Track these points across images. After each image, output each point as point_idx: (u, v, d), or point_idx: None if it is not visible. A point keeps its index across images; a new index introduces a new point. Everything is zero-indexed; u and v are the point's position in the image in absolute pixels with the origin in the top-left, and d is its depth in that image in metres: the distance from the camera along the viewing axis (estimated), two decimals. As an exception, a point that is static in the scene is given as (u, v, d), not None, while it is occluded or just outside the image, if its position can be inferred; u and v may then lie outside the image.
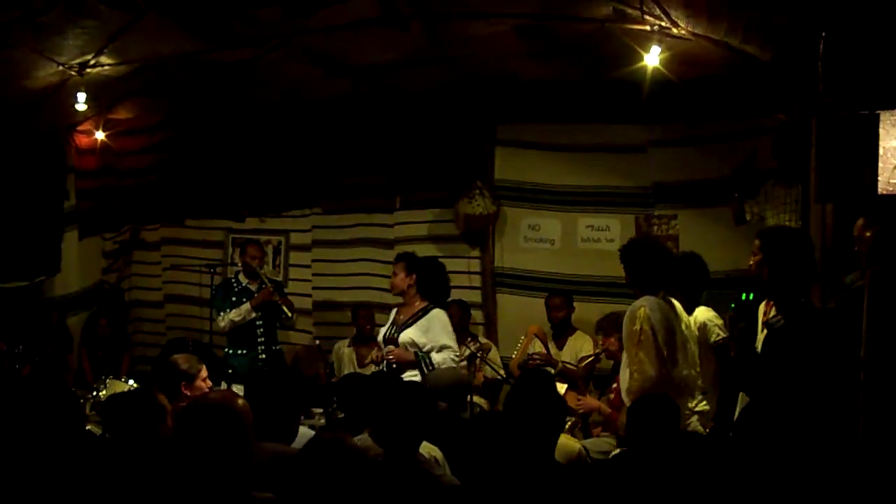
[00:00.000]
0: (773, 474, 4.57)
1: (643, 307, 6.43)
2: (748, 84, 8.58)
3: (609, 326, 8.29)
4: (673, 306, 6.69)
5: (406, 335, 7.95)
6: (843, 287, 6.07)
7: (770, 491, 4.56)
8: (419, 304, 8.12)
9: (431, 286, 8.19)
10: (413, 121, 10.82)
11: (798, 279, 6.05)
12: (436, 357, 7.83)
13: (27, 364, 9.70)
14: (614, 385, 7.79)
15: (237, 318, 9.70)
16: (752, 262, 6.25)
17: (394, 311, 8.47)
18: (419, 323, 7.98)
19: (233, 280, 10.02)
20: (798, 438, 5.09)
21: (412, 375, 7.74)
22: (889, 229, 5.85)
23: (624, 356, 6.62)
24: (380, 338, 8.32)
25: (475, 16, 8.20)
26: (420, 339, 7.90)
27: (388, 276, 10.60)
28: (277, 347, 10.00)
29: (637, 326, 6.38)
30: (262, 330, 9.79)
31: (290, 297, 10.17)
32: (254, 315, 9.74)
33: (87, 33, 8.04)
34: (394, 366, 7.91)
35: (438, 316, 8.05)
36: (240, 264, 10.02)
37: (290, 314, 9.75)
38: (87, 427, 6.73)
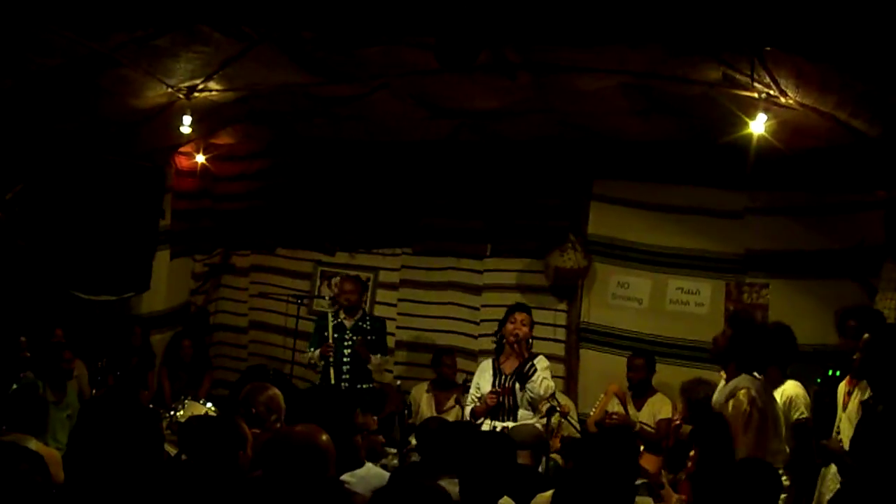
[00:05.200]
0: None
1: (747, 389, 6.31)
2: (852, 158, 8.48)
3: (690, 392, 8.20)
4: (767, 386, 6.59)
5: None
6: None
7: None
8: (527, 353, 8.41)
9: None
10: (511, 169, 10.83)
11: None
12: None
13: (109, 377, 9.80)
14: (692, 453, 7.64)
15: (309, 360, 10.11)
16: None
17: (488, 361, 8.61)
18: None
19: (331, 315, 10.10)
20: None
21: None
22: None
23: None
24: (489, 388, 8.38)
25: (583, 70, 8.19)
26: None
27: (473, 322, 10.71)
28: (366, 386, 10.02)
29: (745, 409, 6.26)
30: (347, 367, 9.86)
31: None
32: (321, 362, 9.94)
33: (199, 58, 8.14)
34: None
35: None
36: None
37: (346, 374, 9.92)
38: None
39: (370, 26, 7.39)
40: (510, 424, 8.04)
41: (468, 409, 8.59)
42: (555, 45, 7.64)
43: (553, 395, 8.89)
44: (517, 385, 8.23)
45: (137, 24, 7.32)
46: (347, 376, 9.86)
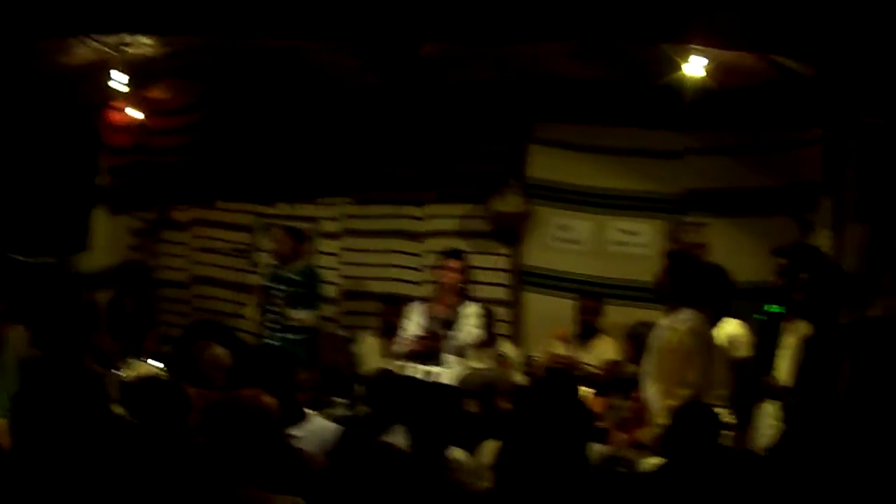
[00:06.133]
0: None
1: (690, 323, 6.35)
2: (788, 98, 8.56)
3: (636, 336, 8.27)
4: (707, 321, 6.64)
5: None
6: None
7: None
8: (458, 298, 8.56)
9: None
10: (449, 115, 10.80)
11: (834, 297, 6.04)
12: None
13: (53, 339, 9.69)
14: (633, 393, 7.73)
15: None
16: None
17: (418, 304, 8.76)
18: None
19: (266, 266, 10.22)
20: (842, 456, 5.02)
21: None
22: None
23: (649, 366, 6.55)
24: (416, 330, 8.51)
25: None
26: None
27: (416, 269, 10.73)
28: (299, 337, 9.95)
29: (684, 340, 6.30)
30: (274, 317, 9.88)
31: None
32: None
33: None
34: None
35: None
36: None
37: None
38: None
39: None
40: (436, 369, 8.23)
41: (396, 349, 8.74)
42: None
43: (493, 342, 9.04)
44: (443, 331, 8.33)
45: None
46: (277, 326, 9.87)
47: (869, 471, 4.87)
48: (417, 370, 8.31)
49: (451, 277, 8.48)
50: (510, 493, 4.48)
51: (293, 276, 9.90)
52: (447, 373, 8.22)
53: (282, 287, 9.86)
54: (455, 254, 8.78)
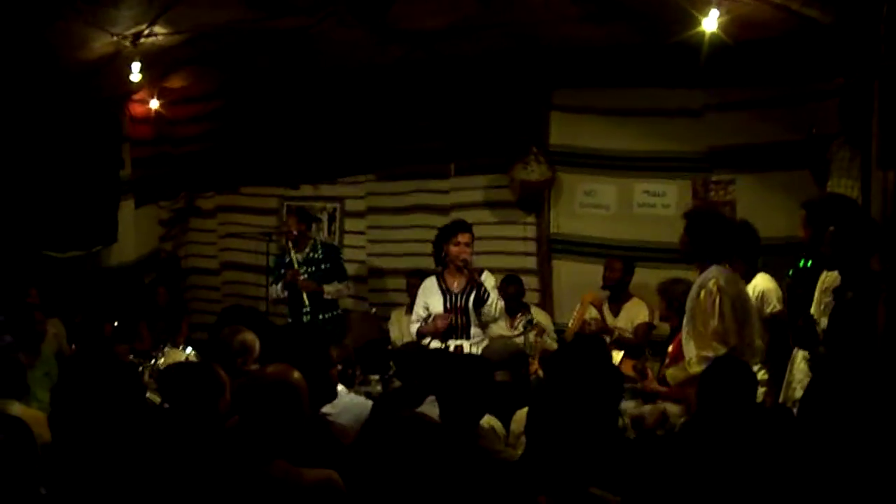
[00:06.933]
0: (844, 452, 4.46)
1: (715, 279, 6.30)
2: (808, 47, 8.45)
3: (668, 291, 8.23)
4: (737, 276, 6.60)
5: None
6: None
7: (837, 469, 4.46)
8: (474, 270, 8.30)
9: None
10: (468, 86, 10.77)
11: (863, 247, 5.98)
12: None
13: (107, 327, 9.71)
14: (669, 349, 7.70)
15: (274, 295, 10.11)
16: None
17: (432, 279, 8.52)
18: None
19: (286, 252, 10.09)
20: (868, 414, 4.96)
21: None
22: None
23: (687, 327, 6.51)
24: (440, 308, 8.32)
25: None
26: None
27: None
28: (329, 315, 10.03)
29: (714, 297, 6.26)
30: (308, 300, 9.87)
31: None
32: (285, 294, 9.96)
33: (141, 4, 8.06)
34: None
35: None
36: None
37: (307, 305, 9.84)
38: (147, 395, 6.79)
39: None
40: (464, 343, 8.09)
41: (413, 328, 8.48)
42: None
43: (528, 310, 8.96)
44: (469, 304, 8.19)
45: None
46: (307, 308, 9.86)
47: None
48: (444, 345, 8.18)
49: (465, 251, 8.23)
50: (541, 458, 4.46)
51: (312, 255, 9.92)
52: (475, 345, 8.09)
53: (310, 269, 9.88)
54: (463, 226, 8.41)
